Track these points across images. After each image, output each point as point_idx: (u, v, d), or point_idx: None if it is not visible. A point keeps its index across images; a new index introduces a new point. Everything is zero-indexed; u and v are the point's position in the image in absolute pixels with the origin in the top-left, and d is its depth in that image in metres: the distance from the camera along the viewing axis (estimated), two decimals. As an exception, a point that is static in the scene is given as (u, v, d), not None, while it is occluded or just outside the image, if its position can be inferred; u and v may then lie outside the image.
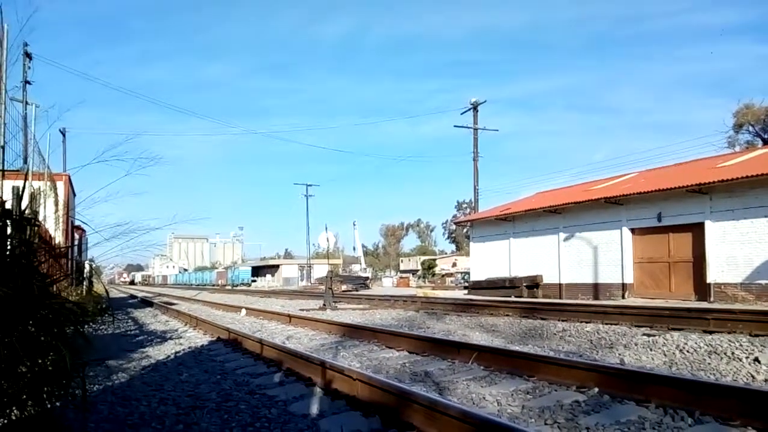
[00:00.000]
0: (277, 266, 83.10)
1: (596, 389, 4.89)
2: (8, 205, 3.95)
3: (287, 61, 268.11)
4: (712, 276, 18.89)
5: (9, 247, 3.40)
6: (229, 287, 67.23)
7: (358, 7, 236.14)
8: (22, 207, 4.14)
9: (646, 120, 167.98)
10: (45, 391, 3.32)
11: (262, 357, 7.38)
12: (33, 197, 4.16)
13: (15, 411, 3.12)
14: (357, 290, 41.05)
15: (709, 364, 6.64)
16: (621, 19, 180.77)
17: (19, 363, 3.07)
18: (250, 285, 72.60)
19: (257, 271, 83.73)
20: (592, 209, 23.58)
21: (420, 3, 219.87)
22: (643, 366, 6.69)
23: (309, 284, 60.49)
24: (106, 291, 9.25)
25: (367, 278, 54.89)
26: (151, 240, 5.71)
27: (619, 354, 7.55)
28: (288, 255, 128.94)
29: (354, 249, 79.71)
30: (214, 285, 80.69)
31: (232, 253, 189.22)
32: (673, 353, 7.36)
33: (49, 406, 3.38)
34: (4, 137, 8.47)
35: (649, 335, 8.68)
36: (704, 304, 16.59)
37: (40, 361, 3.28)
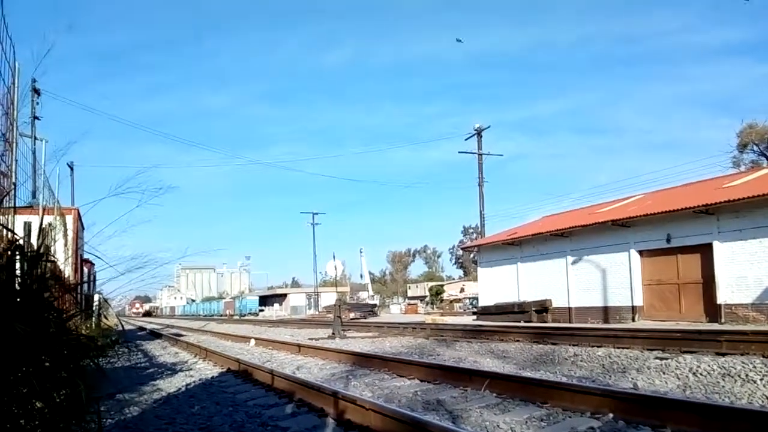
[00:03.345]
0: (285, 295, 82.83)
1: (611, 415, 4.86)
2: (21, 242, 4.01)
3: (291, 88, 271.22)
4: (723, 297, 18.73)
5: (24, 284, 3.45)
6: (237, 317, 66.99)
7: (360, 34, 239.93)
8: (35, 243, 4.18)
9: (650, 140, 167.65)
10: (60, 428, 3.34)
11: (273, 388, 7.37)
12: (45, 233, 4.21)
13: (32, 447, 3.14)
14: (365, 318, 40.77)
15: (723, 386, 6.59)
16: (621, 38, 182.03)
17: (37, 399, 3.10)
18: (257, 314, 72.26)
19: (265, 301, 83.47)
20: (599, 232, 23.54)
21: (420, 28, 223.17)
22: (657, 390, 6.64)
23: (317, 312, 60.10)
24: (121, 324, 9.27)
25: (374, 305, 54.53)
26: (163, 272, 5.75)
27: (632, 378, 7.49)
28: (295, 284, 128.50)
29: (361, 276, 79.30)
30: (221, 315, 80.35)
31: (240, 283, 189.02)
32: (687, 376, 7.30)
33: (64, 441, 3.39)
34: (16, 174, 8.59)
35: (661, 359, 8.61)
36: (715, 326, 16.44)
37: (55, 395, 3.30)
